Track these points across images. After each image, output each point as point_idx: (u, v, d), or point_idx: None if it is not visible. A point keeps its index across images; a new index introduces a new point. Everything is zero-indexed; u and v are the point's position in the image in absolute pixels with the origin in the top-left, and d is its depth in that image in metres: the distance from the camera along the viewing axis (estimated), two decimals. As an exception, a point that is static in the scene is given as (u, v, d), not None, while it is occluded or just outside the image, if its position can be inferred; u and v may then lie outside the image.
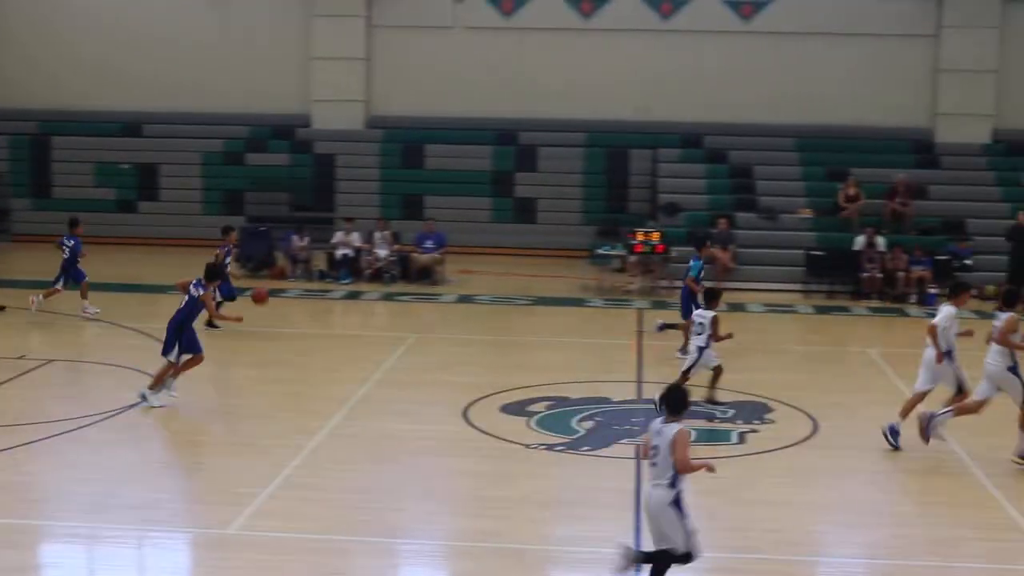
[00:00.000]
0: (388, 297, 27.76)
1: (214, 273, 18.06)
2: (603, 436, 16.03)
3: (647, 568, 10.54)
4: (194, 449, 15.51)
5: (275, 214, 33.49)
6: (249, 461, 14.75)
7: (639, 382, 19.48)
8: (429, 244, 29.76)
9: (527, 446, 15.51)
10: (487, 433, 16.07)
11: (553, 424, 16.62)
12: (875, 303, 28.10)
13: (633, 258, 28.96)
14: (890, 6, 35.09)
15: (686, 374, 17.73)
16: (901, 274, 28.45)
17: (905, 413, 15.95)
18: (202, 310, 17.56)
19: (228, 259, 23.71)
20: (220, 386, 18.68)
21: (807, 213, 31.63)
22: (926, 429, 15.31)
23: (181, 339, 16.96)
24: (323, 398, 17.79)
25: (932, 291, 28.08)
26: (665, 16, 35.74)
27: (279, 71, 36.47)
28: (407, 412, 17.21)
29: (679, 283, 28.82)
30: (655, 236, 28.78)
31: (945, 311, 16.01)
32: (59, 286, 23.55)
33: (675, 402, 10.44)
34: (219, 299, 20.86)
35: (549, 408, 17.45)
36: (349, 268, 29.57)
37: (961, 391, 15.93)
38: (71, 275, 23.61)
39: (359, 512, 13.06)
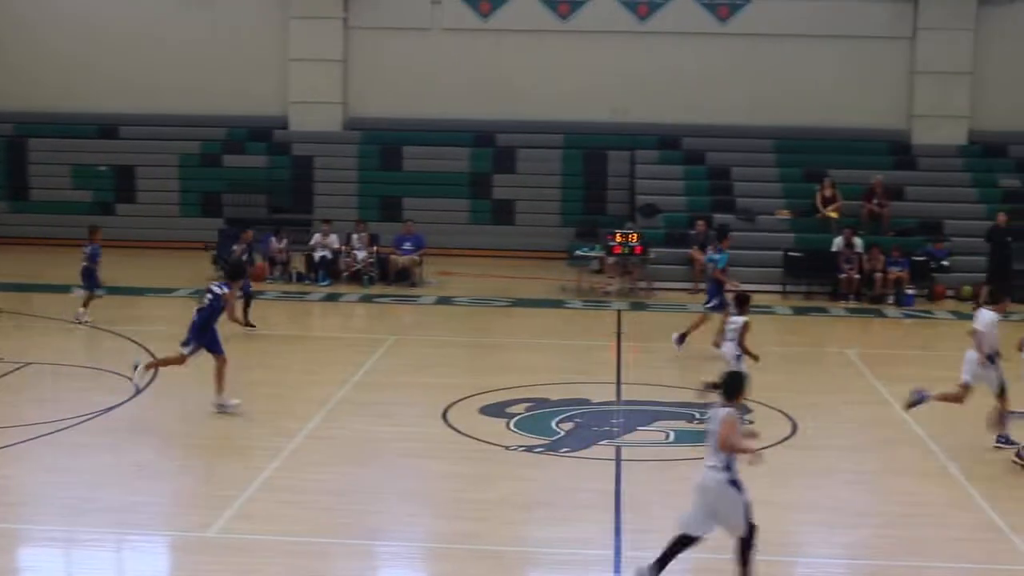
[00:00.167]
0: (367, 299, 27.72)
1: (237, 272, 18.03)
2: (583, 437, 16.02)
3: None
4: (172, 452, 15.43)
5: (253, 216, 33.40)
6: (228, 463, 14.71)
7: (618, 383, 19.48)
8: (408, 246, 29.73)
9: (506, 448, 15.50)
10: (466, 435, 16.06)
11: (532, 426, 16.60)
12: (853, 304, 28.18)
13: (611, 259, 28.98)
14: (866, 8, 35.21)
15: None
16: (879, 275, 28.53)
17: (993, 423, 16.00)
18: (223, 310, 17.43)
19: (246, 257, 23.88)
20: (198, 388, 18.58)
21: (785, 214, 31.71)
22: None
23: (203, 339, 16.89)
24: (302, 400, 17.74)
25: (909, 292, 28.20)
26: (642, 18, 35.78)
27: (256, 73, 36.39)
28: (386, 414, 17.18)
29: (658, 284, 29.07)
30: (633, 237, 28.79)
31: (986, 316, 16.10)
32: (99, 292, 23.55)
33: (731, 387, 10.88)
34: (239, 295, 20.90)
35: (528, 410, 17.43)
36: (327, 270, 29.51)
37: (1003, 393, 16.01)
38: (90, 281, 23.56)
39: (338, 514, 13.03)
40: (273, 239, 30.01)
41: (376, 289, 28.73)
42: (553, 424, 16.69)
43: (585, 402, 17.94)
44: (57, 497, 13.34)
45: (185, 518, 12.84)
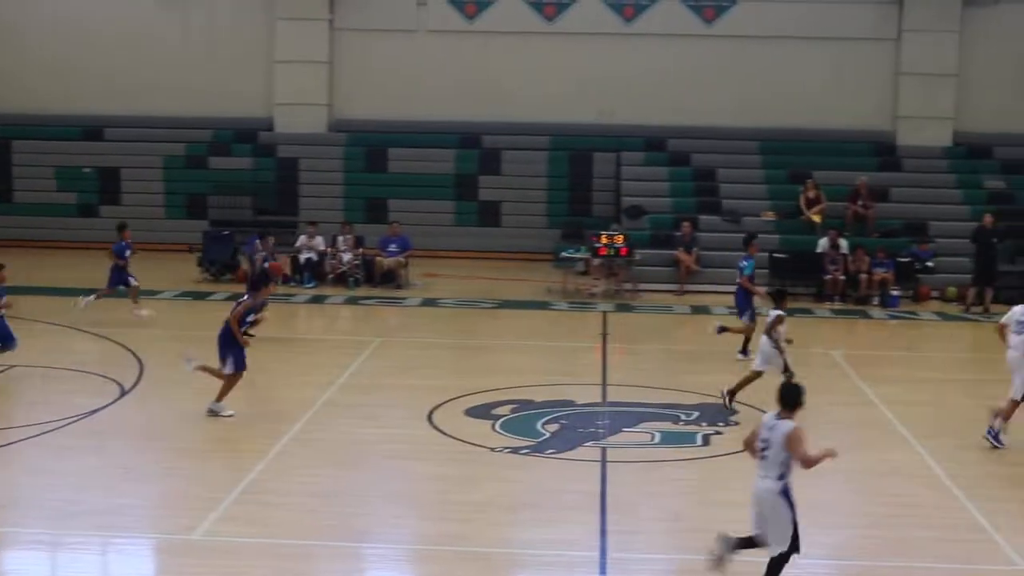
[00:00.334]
0: (352, 301, 27.69)
1: (260, 281, 17.95)
2: (568, 439, 16.03)
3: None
4: (157, 454, 15.40)
5: (238, 218, 33.36)
6: (213, 466, 14.69)
7: (604, 385, 19.49)
8: (393, 248, 29.70)
9: (492, 449, 15.51)
10: (452, 437, 16.06)
11: (518, 427, 16.61)
12: (838, 305, 28.22)
13: (597, 261, 28.98)
14: (852, 10, 35.26)
15: (787, 370, 17.08)
16: (864, 276, 28.58)
17: (1006, 417, 16.11)
18: (248, 318, 17.36)
19: (266, 264, 23.98)
20: (183, 391, 18.56)
21: (770, 216, 31.75)
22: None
23: (233, 349, 16.81)
24: (287, 402, 17.74)
25: (894, 293, 28.25)
26: (628, 20, 35.80)
27: (242, 74, 36.32)
28: (372, 416, 17.17)
29: (643, 286, 29.09)
30: (619, 239, 28.79)
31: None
32: (133, 283, 24.06)
33: (789, 398, 10.70)
34: None
35: (514, 411, 17.44)
36: (313, 272, 29.47)
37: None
38: (115, 278, 23.97)
39: (324, 516, 13.02)
40: (258, 241, 29.92)
41: (362, 291, 28.71)
42: (538, 426, 16.70)
43: (570, 404, 17.95)
44: (43, 500, 13.31)
45: (170, 520, 12.80)
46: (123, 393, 17.87)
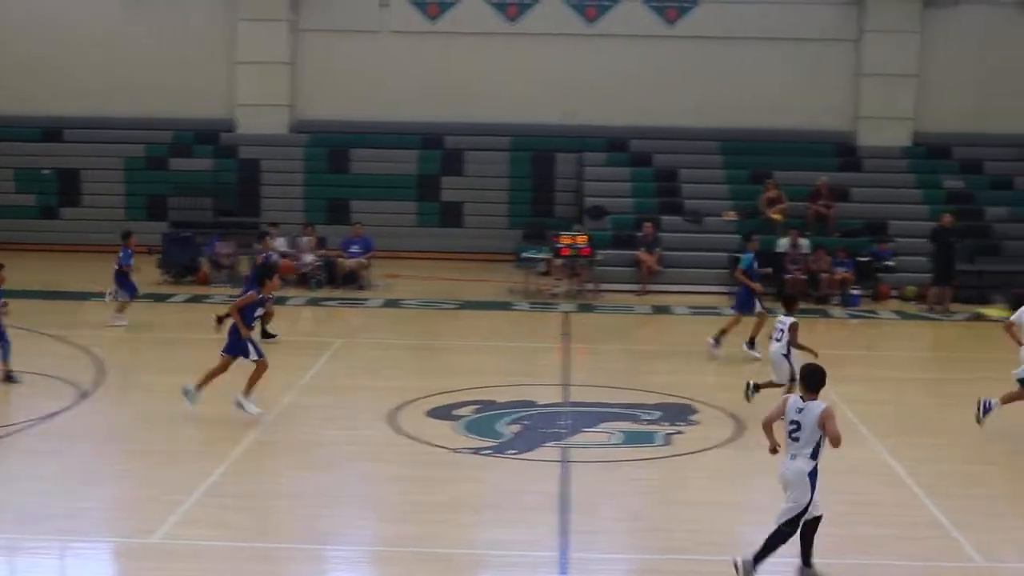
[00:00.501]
0: (314, 302, 27.62)
1: (264, 275, 17.79)
2: (529, 439, 16.04)
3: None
4: (117, 457, 15.33)
5: (199, 219, 33.23)
6: (174, 469, 14.62)
7: (565, 385, 19.52)
8: (355, 248, 29.65)
9: (454, 450, 15.50)
10: (414, 438, 16.04)
11: (480, 428, 16.61)
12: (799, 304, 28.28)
13: (559, 261, 29.02)
14: (813, 11, 35.44)
15: (793, 380, 16.74)
16: (824, 275, 28.73)
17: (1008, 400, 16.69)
18: (256, 313, 17.24)
19: (270, 259, 24.12)
20: (144, 393, 18.50)
21: (732, 216, 31.87)
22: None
23: (241, 339, 16.67)
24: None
25: (854, 292, 28.41)
26: (590, 20, 35.87)
27: (203, 75, 36.17)
28: (333, 418, 17.13)
29: (605, 286, 29.14)
30: (581, 239, 28.86)
31: None
32: (112, 296, 23.90)
33: (814, 380, 11.20)
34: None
35: (476, 412, 17.44)
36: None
37: None
38: (123, 287, 23.78)
39: (285, 519, 13.00)
40: (219, 242, 29.86)
41: (323, 292, 28.64)
42: (500, 426, 16.70)
43: (532, 404, 17.96)
44: (1, 504, 13.21)
45: (130, 524, 12.74)
46: (84, 396, 17.77)
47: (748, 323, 21.91)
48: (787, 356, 17.34)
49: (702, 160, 34.56)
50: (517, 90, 35.66)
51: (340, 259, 29.59)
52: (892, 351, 24.57)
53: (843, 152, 35.17)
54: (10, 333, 18.53)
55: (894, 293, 29.39)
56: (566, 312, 26.72)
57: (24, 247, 32.87)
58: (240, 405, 16.50)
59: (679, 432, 16.62)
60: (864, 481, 14.77)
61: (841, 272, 28.75)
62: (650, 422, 17.13)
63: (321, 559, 12.17)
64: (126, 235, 24.37)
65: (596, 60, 35.75)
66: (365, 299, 27.89)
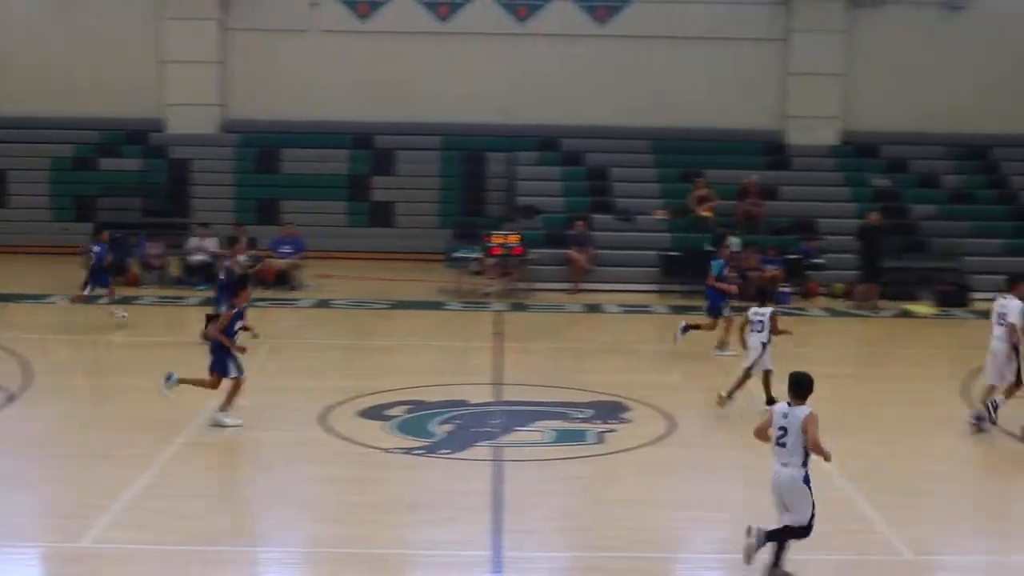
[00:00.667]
0: (245, 303, 27.37)
1: (240, 284, 17.66)
2: (461, 439, 16.05)
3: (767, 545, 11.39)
4: (45, 461, 15.17)
5: (128, 220, 32.86)
6: (102, 472, 14.48)
7: (497, 384, 19.54)
8: (286, 249, 29.50)
9: (386, 451, 15.48)
10: (346, 438, 16.01)
11: (412, 428, 16.60)
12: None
13: (491, 261, 29.02)
14: (741, 11, 35.66)
15: (748, 371, 17.73)
16: (754, 273, 28.90)
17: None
18: (236, 326, 17.04)
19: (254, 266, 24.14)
20: (72, 396, 18.32)
21: (662, 215, 32.02)
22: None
23: (227, 354, 16.54)
24: (178, 406, 17.46)
25: (784, 290, 28.60)
26: (521, 20, 35.91)
27: (132, 75, 35.77)
28: (264, 419, 17.00)
29: (537, 285, 29.19)
30: (513, 238, 28.88)
31: (1017, 306, 16.90)
32: (87, 291, 23.96)
33: (801, 387, 11.47)
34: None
35: (408, 412, 17.42)
36: (205, 274, 29.18)
37: (1020, 382, 16.97)
38: (98, 281, 23.87)
39: (216, 521, 12.92)
40: (148, 243, 29.60)
41: (254, 293, 28.37)
42: (432, 426, 16.70)
43: (464, 403, 17.96)
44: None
45: (59, 528, 12.61)
46: (10, 399, 17.56)
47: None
48: (765, 345, 17.73)
49: (633, 159, 34.69)
50: (448, 90, 35.60)
51: (270, 259, 29.38)
52: (821, 348, 24.77)
53: (772, 151, 35.43)
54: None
55: (823, 290, 29.63)
56: (498, 311, 26.73)
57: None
58: (218, 423, 16.36)
59: (611, 430, 16.68)
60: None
61: (771, 270, 28.95)
62: (582, 420, 17.19)
63: (253, 561, 12.12)
64: (98, 230, 24.39)
65: (527, 59, 35.78)
66: (296, 299, 27.75)
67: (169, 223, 32.69)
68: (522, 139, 35.24)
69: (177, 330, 25.37)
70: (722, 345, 22.12)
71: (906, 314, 27.51)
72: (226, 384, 16.59)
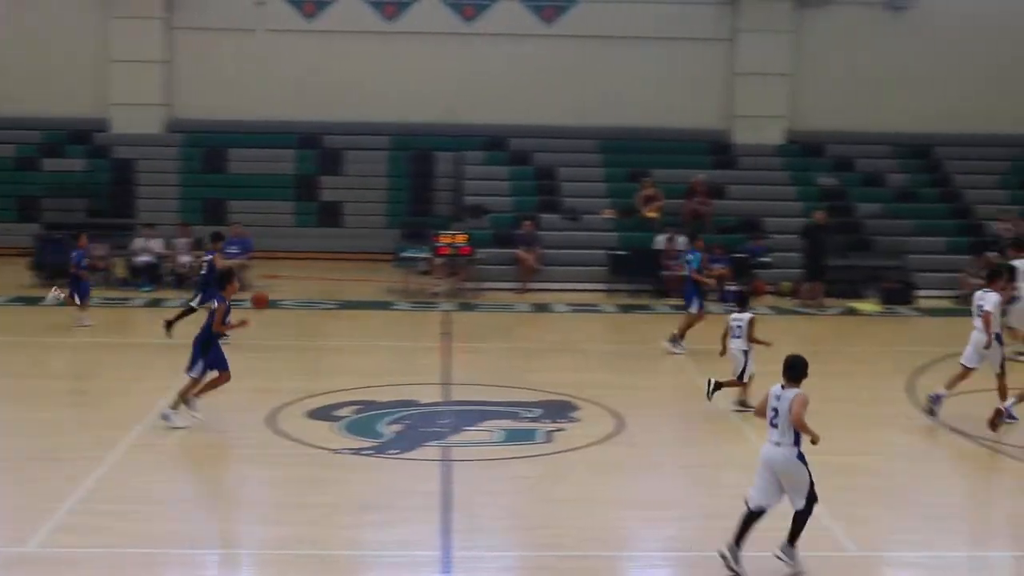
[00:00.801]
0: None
1: (225, 280, 17.49)
2: (410, 439, 16.03)
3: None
4: (-11, 464, 15.04)
5: (72, 221, 32.57)
6: (47, 475, 14.34)
7: (446, 384, 19.52)
8: (234, 249, 29.33)
9: (334, 451, 15.43)
10: (294, 439, 15.94)
11: (360, 428, 16.56)
12: (677, 301, 28.55)
13: (439, 260, 29.00)
14: (688, 11, 35.81)
15: (741, 378, 17.77)
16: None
17: (951, 386, 17.43)
18: (226, 320, 16.89)
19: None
20: (14, 398, 18.13)
21: (610, 214, 32.11)
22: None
23: (207, 355, 16.45)
24: (124, 408, 17.39)
25: (731, 288, 28.68)
26: (468, 19, 35.91)
27: (75, 74, 35.52)
28: (211, 420, 16.91)
29: (486, 285, 29.19)
30: (460, 238, 28.87)
31: (993, 298, 17.47)
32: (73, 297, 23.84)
33: (794, 369, 11.83)
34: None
35: (356, 412, 17.38)
36: (150, 275, 28.99)
37: (1003, 372, 17.44)
38: (78, 288, 23.80)
39: (164, 523, 12.82)
40: (93, 244, 29.31)
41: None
42: (381, 426, 16.66)
43: (413, 403, 17.95)
44: None
45: (3, 532, 12.48)
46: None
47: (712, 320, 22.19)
48: (747, 352, 17.83)
49: (580, 159, 34.77)
50: (396, 89, 35.56)
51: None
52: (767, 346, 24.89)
53: (718, 150, 35.61)
54: None
55: (769, 288, 29.79)
56: (446, 311, 26.71)
57: None
58: (166, 417, 16.30)
59: (560, 429, 16.70)
60: (740, 475, 14.88)
61: (718, 268, 29.05)
62: (531, 420, 17.20)
63: (201, 564, 12.06)
64: (76, 235, 24.17)
65: (474, 59, 35.81)
66: (244, 300, 27.53)
67: (114, 224, 32.44)
68: (470, 139, 35.27)
69: (121, 331, 25.19)
70: (675, 339, 22.09)
71: (851, 312, 27.73)
72: (185, 380, 16.49)
